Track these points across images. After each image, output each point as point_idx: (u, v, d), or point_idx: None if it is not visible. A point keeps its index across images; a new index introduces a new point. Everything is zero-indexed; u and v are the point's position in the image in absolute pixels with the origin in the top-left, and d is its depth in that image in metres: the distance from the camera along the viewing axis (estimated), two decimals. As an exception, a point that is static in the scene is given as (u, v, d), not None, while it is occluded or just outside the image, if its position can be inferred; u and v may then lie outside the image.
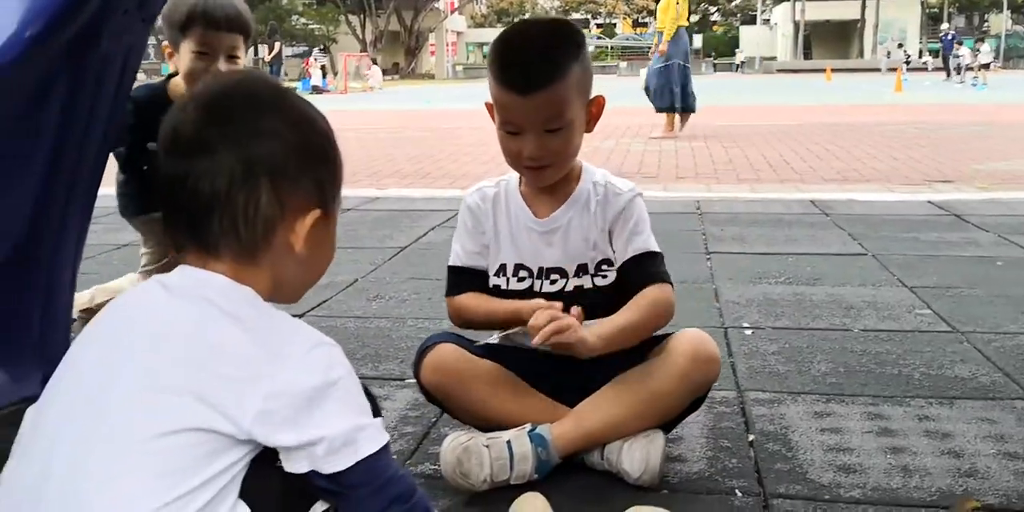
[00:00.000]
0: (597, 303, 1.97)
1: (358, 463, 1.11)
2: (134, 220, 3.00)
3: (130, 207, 2.97)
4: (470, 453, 1.83)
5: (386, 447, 1.15)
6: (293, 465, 1.10)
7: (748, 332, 3.04)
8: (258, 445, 1.09)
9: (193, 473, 1.04)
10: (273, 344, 1.10)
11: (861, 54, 63.46)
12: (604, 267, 2.00)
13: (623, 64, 60.30)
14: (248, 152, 1.15)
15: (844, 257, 4.21)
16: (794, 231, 4.85)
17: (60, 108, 2.29)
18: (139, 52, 2.47)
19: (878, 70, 43.55)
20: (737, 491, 1.90)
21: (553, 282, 2.00)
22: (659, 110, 11.20)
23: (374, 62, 38.85)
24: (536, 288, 2.00)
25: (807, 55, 67.16)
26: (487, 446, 1.85)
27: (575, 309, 1.85)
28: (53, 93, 2.24)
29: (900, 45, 48.95)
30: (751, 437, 2.18)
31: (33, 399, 2.46)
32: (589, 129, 1.97)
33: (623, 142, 10.54)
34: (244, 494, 1.09)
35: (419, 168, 8.59)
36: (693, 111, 11.27)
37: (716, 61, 63.50)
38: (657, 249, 2.01)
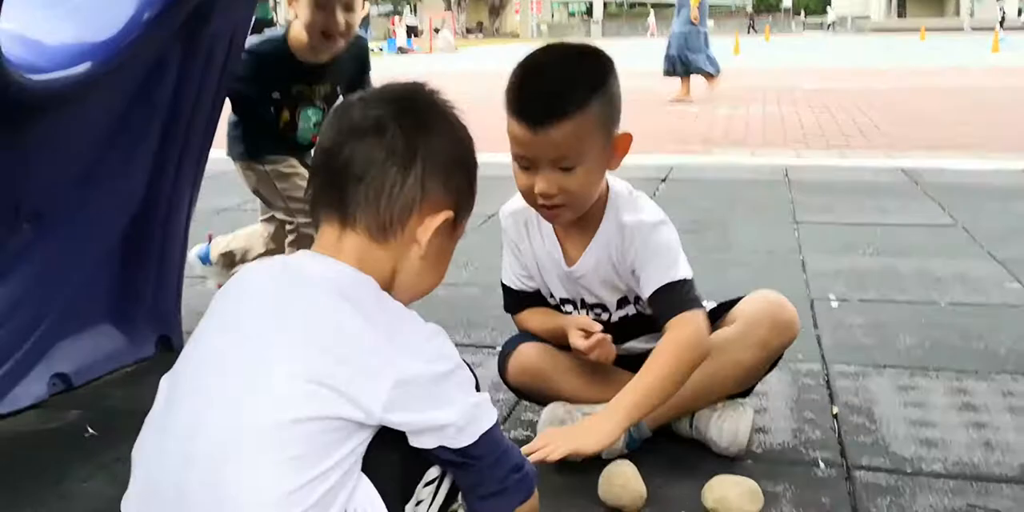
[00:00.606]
0: (647, 324, 2.00)
1: (482, 436, 1.21)
2: (237, 162, 3.13)
3: (235, 149, 3.09)
4: (567, 425, 1.92)
5: (497, 419, 1.25)
6: (421, 441, 1.19)
7: (834, 304, 3.07)
8: (380, 425, 1.18)
9: (325, 456, 1.12)
10: (394, 334, 1.18)
11: (958, 12, 61.47)
12: (642, 301, 1.97)
13: (710, 23, 59.29)
14: (415, 138, 1.25)
15: (933, 228, 4.19)
16: (883, 201, 4.82)
17: (173, 83, 2.42)
18: (246, 27, 2.59)
19: (976, 29, 42.12)
20: (820, 462, 1.96)
21: (597, 315, 2.02)
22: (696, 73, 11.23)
23: (436, 31, 38.53)
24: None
25: (901, 14, 65.37)
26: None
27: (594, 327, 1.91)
28: (167, 69, 2.38)
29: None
30: (835, 409, 2.23)
31: (148, 360, 2.62)
32: (612, 166, 1.86)
33: (707, 107, 10.46)
34: (365, 466, 1.18)
35: (505, 133, 8.64)
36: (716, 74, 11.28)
37: (806, 20, 62.07)
38: (682, 277, 1.88)
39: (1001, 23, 36.52)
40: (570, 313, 2.05)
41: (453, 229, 1.31)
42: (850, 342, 2.71)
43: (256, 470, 1.11)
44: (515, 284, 2.08)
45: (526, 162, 1.79)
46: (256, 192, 3.15)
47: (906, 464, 1.95)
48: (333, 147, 1.26)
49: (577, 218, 1.92)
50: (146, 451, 1.22)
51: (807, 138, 7.65)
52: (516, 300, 2.10)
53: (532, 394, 2.13)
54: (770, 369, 2.08)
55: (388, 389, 1.14)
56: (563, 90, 1.73)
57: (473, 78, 13.91)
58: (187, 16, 2.26)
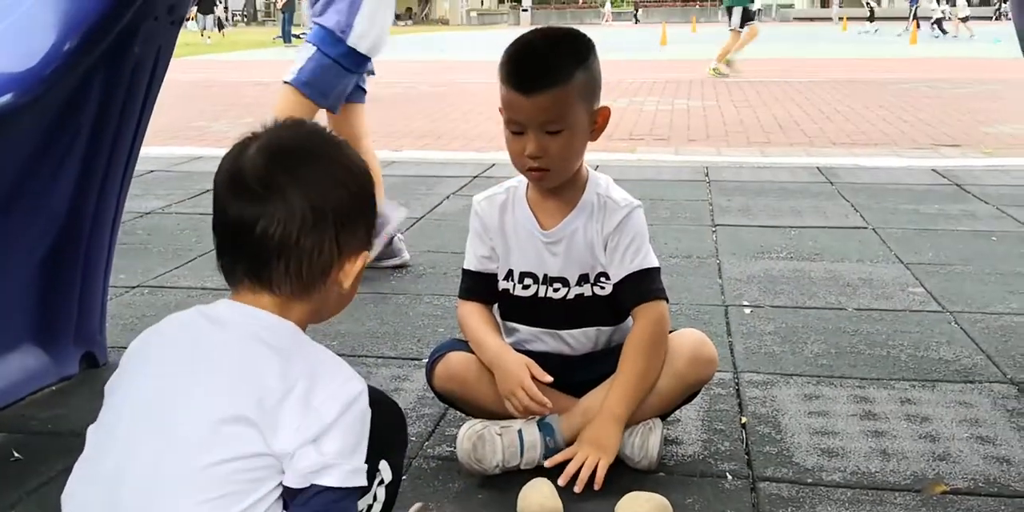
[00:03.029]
0: (598, 310, 2.13)
1: (311, 486, 1.19)
2: None
3: None
4: (484, 441, 2.00)
5: (351, 494, 1.23)
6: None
7: (747, 311, 3.19)
8: None
9: (247, 494, 1.17)
10: (313, 376, 1.23)
11: (879, 2, 62.55)
12: (602, 279, 2.11)
13: (640, 12, 59.67)
14: (319, 200, 1.27)
15: (845, 230, 4.34)
16: (799, 202, 4.97)
17: (96, 108, 2.45)
18: (168, 52, 2.61)
19: (898, 18, 42.53)
20: (728, 474, 2.06)
21: (556, 290, 2.12)
22: None
23: None
24: (540, 294, 2.13)
25: (824, 2, 66.36)
26: (500, 434, 2.01)
27: (546, 379, 2.01)
28: (89, 96, 2.40)
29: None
30: (743, 420, 2.34)
31: (72, 378, 2.63)
32: (593, 138, 2.05)
33: (636, 100, 10.60)
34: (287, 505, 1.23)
35: (434, 127, 8.69)
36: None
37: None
38: (653, 265, 2.10)
39: (870, 17, 36.45)
40: (529, 287, 2.14)
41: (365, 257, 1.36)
42: (761, 350, 2.83)
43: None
44: (473, 265, 2.19)
45: (518, 127, 1.98)
46: None
47: (808, 474, 2.06)
48: (237, 214, 1.26)
49: (557, 190, 2.09)
50: (74, 500, 1.26)
51: (729, 135, 7.82)
52: (471, 284, 2.20)
53: (457, 402, 2.20)
54: (688, 401, 2.20)
55: (295, 428, 1.18)
56: (552, 62, 1.96)
57: (404, 67, 13.85)
58: (109, 44, 2.28)
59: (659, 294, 2.09)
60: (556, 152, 1.98)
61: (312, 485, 1.20)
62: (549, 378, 2.01)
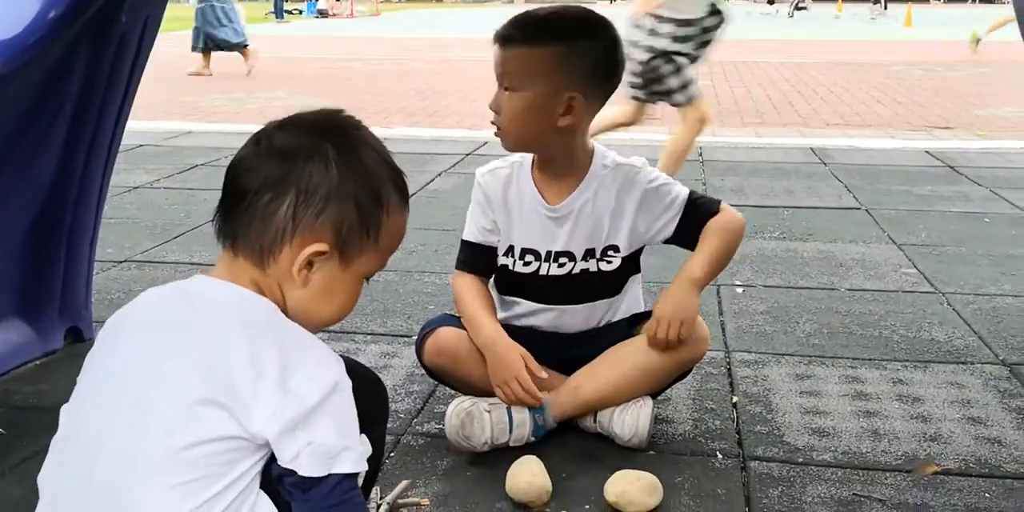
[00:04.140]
0: (601, 285, 2.12)
1: (329, 476, 1.16)
2: None
3: None
4: (472, 418, 1.98)
5: (355, 477, 1.19)
6: (283, 460, 1.17)
7: (739, 290, 3.17)
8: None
9: (220, 477, 1.14)
10: (288, 356, 1.18)
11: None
12: (610, 253, 2.09)
13: (632, -10, 59.16)
14: (291, 166, 1.23)
15: (838, 211, 4.32)
16: (792, 182, 4.95)
17: (81, 78, 2.41)
18: (156, 21, 2.58)
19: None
20: (718, 453, 2.05)
21: (561, 265, 2.09)
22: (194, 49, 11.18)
23: None
24: (542, 271, 2.10)
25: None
26: (488, 411, 2.00)
27: (541, 374, 2.01)
28: (75, 65, 2.36)
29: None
30: (735, 399, 2.32)
31: (57, 352, 2.61)
32: (559, 123, 1.96)
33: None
34: (264, 484, 1.19)
35: (426, 105, 8.63)
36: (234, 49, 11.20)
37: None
38: (687, 191, 2.11)
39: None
40: (530, 264, 2.11)
41: (345, 264, 1.27)
42: (752, 329, 2.81)
43: (150, 497, 1.13)
44: (474, 237, 2.15)
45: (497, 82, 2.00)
46: None
47: (798, 454, 2.05)
48: (227, 172, 1.28)
49: (562, 167, 2.07)
50: (50, 479, 1.23)
51: (723, 115, 7.76)
52: (469, 255, 2.17)
53: (446, 377, 2.18)
54: (679, 379, 2.18)
55: (270, 409, 1.15)
56: (536, 27, 1.98)
57: (398, 45, 13.77)
58: (95, 13, 2.24)
59: (716, 203, 2.13)
60: (505, 112, 1.99)
61: (331, 474, 1.16)
62: (544, 374, 2.01)
